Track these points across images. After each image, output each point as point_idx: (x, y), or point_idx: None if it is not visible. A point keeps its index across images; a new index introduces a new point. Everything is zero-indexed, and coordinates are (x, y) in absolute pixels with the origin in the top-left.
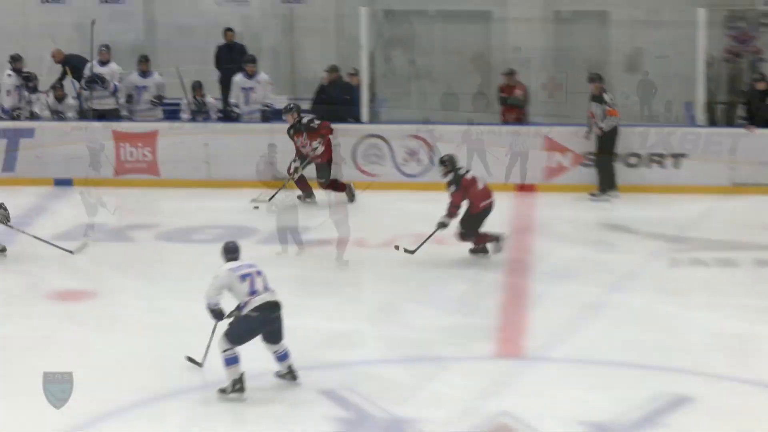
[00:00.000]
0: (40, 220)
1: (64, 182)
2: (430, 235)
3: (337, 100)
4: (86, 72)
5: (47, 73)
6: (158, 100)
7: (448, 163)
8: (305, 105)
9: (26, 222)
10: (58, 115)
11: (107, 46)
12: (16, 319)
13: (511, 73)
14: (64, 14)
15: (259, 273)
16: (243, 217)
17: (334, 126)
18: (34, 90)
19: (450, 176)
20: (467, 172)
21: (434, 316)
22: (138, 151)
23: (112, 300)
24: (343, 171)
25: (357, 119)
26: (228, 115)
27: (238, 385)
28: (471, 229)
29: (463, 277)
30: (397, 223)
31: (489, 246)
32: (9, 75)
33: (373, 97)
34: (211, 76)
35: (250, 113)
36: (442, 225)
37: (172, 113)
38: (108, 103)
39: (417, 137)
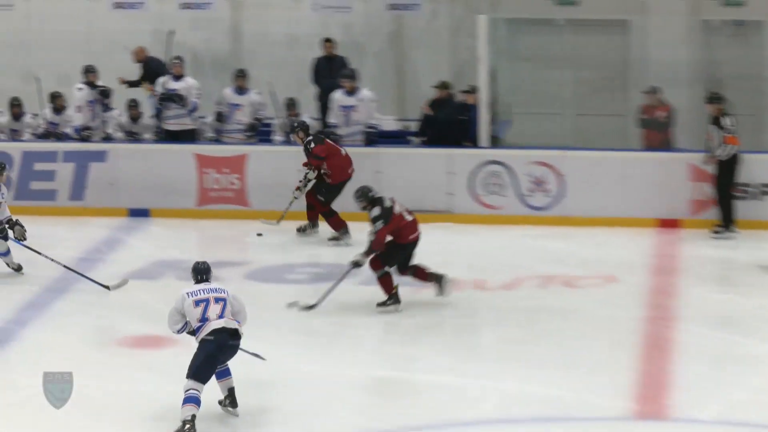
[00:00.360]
0: (113, 255)
1: (139, 213)
2: (341, 279)
3: (448, 121)
4: (157, 88)
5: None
6: (252, 130)
7: (363, 198)
8: (413, 126)
9: (96, 258)
10: (132, 136)
11: (180, 58)
12: (84, 369)
13: (653, 92)
14: (140, 21)
15: (218, 300)
16: (345, 254)
17: (444, 151)
18: (107, 108)
19: (376, 211)
20: (393, 203)
21: (562, 369)
22: (225, 177)
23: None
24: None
25: (474, 143)
26: (327, 137)
27: (188, 426)
28: (391, 261)
29: (594, 323)
30: (522, 262)
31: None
32: (80, 89)
33: (494, 118)
34: (306, 93)
35: (351, 135)
36: (357, 264)
37: (263, 134)
38: (185, 123)
39: (544, 164)
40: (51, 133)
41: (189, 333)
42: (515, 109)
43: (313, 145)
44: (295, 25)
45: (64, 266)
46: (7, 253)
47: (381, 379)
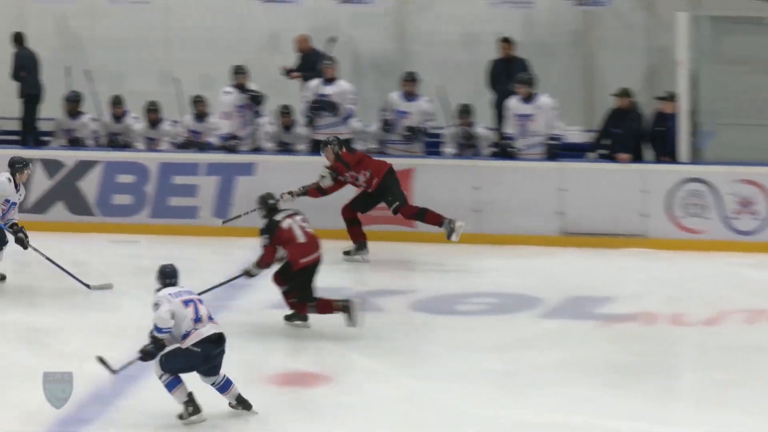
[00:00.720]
0: (263, 281)
1: None
2: (222, 284)
3: (631, 134)
4: (306, 94)
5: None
6: (412, 133)
7: (262, 205)
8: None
9: (244, 284)
10: (284, 147)
11: (332, 59)
12: (229, 409)
13: None
14: (294, 16)
15: (200, 301)
16: (523, 283)
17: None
18: (258, 114)
19: (263, 224)
20: (286, 218)
21: None
22: None
23: (352, 387)
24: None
25: (672, 158)
26: (503, 149)
27: (190, 407)
28: (303, 291)
29: None
30: (726, 294)
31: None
32: (228, 92)
33: (695, 130)
34: (482, 100)
35: (529, 148)
36: (247, 273)
37: (431, 146)
38: (339, 132)
39: (752, 182)
40: (192, 143)
41: (156, 342)
42: (720, 119)
43: (344, 149)
44: (469, 22)
45: (48, 258)
46: None
47: (558, 425)
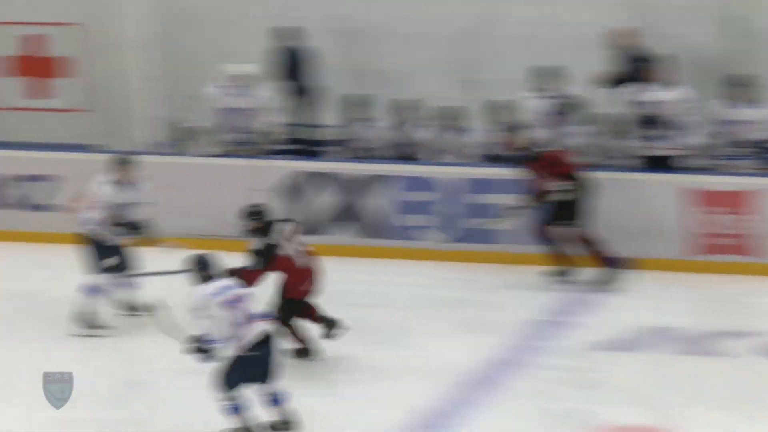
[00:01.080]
0: (584, 319)
1: (609, 262)
2: (170, 273)
3: None
4: (630, 101)
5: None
6: (757, 147)
7: (256, 218)
8: None
9: (560, 322)
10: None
11: (662, 60)
12: None
13: None
14: (608, 10)
15: (243, 297)
16: None
17: None
18: (566, 123)
19: (256, 245)
20: (283, 239)
21: None
22: (724, 219)
23: None
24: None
25: None
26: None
27: None
28: (287, 318)
29: None
30: None
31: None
32: (534, 97)
33: None
34: None
35: None
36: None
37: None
38: (668, 147)
39: None
40: (497, 156)
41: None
42: None
43: (542, 149)
44: None
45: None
46: (131, 286)
47: None
